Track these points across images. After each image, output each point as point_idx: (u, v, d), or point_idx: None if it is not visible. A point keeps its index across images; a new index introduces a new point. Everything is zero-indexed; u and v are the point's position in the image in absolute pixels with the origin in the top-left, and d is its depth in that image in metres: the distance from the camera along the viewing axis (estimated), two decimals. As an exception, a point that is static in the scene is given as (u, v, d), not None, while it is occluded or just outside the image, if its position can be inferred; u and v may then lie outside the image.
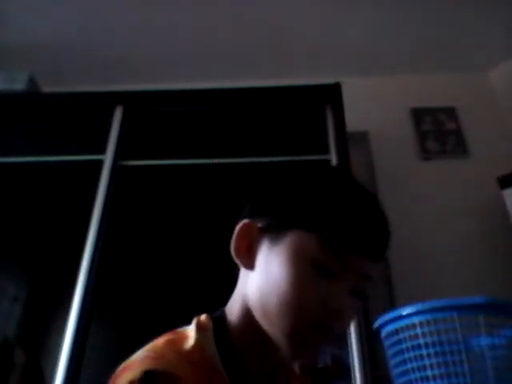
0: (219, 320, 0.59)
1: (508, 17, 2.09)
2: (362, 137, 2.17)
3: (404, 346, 1.07)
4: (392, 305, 1.68)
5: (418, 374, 1.04)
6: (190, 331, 0.55)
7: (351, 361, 1.28)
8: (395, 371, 1.12)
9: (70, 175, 1.69)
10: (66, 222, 1.59)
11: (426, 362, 1.03)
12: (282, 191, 0.59)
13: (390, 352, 1.14)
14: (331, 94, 1.74)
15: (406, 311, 1.08)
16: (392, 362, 1.13)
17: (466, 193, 2.01)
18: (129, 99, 1.81)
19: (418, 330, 1.05)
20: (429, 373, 1.02)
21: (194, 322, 0.58)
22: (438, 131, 2.22)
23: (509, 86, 2.29)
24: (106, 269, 1.48)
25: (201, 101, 1.80)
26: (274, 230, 0.56)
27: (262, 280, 0.55)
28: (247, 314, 0.57)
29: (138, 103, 1.81)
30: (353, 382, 1.25)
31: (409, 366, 1.06)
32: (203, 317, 0.59)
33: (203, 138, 1.73)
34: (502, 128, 2.20)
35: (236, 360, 0.55)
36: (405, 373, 1.07)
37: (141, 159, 1.68)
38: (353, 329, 1.31)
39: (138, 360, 0.48)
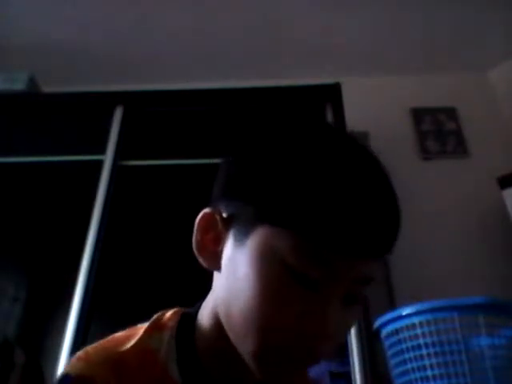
0: (188, 318, 0.50)
1: (508, 17, 2.09)
2: (362, 137, 2.17)
3: (404, 346, 1.07)
4: (392, 305, 1.68)
5: (418, 374, 1.04)
6: (140, 329, 0.48)
7: (351, 361, 1.28)
8: (395, 371, 1.12)
9: (70, 175, 1.68)
10: (66, 222, 1.59)
11: (426, 362, 1.03)
12: (246, 167, 0.44)
13: (390, 352, 1.14)
14: (331, 94, 1.74)
15: (405, 311, 1.08)
16: (392, 362, 1.14)
17: (466, 193, 2.01)
18: (129, 99, 1.81)
19: (418, 330, 1.05)
20: (429, 373, 1.02)
21: (153, 318, 0.50)
22: (438, 131, 2.21)
23: (509, 85, 2.28)
24: (105, 269, 1.48)
25: (201, 101, 1.80)
26: (240, 223, 0.43)
27: (226, 287, 0.44)
28: (217, 320, 0.46)
29: (138, 103, 1.81)
30: (353, 382, 1.25)
31: (409, 366, 1.06)
32: (170, 313, 0.51)
33: (203, 138, 1.73)
34: (502, 128, 2.20)
35: (198, 367, 0.46)
36: (405, 373, 1.07)
37: (141, 159, 1.68)
38: (353, 329, 1.31)
39: (72, 358, 0.44)
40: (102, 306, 1.43)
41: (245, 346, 0.42)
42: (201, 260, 0.47)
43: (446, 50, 2.30)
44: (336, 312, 0.40)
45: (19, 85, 1.96)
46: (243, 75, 2.27)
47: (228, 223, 0.45)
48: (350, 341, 1.30)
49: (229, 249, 0.44)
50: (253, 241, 0.41)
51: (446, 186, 2.04)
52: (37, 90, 2.04)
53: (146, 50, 2.31)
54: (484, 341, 1.00)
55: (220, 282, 0.46)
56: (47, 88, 2.05)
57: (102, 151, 1.67)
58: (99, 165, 1.64)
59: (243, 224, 0.42)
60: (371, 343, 1.27)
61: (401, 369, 1.09)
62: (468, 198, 2.00)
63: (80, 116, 1.80)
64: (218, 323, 0.46)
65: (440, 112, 2.26)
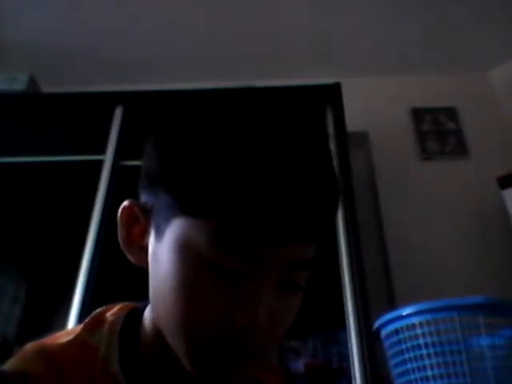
0: (136, 314, 0.48)
1: (508, 17, 2.09)
2: (362, 137, 2.17)
3: (404, 346, 1.07)
4: (392, 305, 1.68)
5: (418, 375, 1.04)
6: (80, 325, 0.47)
7: (351, 361, 1.28)
8: (395, 371, 1.12)
9: (70, 175, 1.68)
10: (66, 222, 1.59)
11: (426, 362, 1.03)
12: (160, 157, 0.42)
13: (389, 352, 1.14)
14: (331, 94, 1.74)
15: (406, 311, 1.08)
16: (392, 363, 1.13)
17: (466, 193, 2.01)
18: (129, 99, 1.81)
19: (418, 330, 1.05)
20: (429, 373, 1.02)
21: (94, 312, 0.48)
22: (437, 131, 2.21)
23: (509, 85, 2.28)
24: (105, 269, 1.48)
25: (201, 101, 1.80)
26: (158, 215, 0.41)
27: (151, 285, 0.42)
28: (155, 324, 0.44)
29: (138, 103, 1.81)
30: (353, 381, 1.25)
31: (409, 366, 1.06)
32: (115, 308, 0.49)
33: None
34: (502, 128, 2.20)
35: (140, 362, 0.44)
36: (405, 373, 1.07)
37: (141, 159, 1.68)
38: (353, 329, 1.31)
39: (15, 355, 0.43)
40: (102, 306, 1.43)
41: (176, 346, 0.40)
42: (129, 256, 0.45)
43: (446, 50, 2.30)
44: (267, 302, 0.37)
45: (19, 85, 1.95)
46: (243, 75, 2.27)
47: (148, 215, 0.42)
48: (350, 341, 1.30)
49: (151, 243, 0.42)
50: (170, 234, 0.39)
51: (446, 185, 2.04)
52: (37, 90, 2.04)
53: (146, 50, 2.31)
54: (484, 341, 1.00)
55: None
56: (47, 88, 2.05)
57: (102, 151, 1.67)
58: (99, 165, 1.64)
59: (161, 216, 0.40)
60: (371, 343, 1.27)
61: (401, 369, 1.09)
62: (468, 198, 2.00)
63: (80, 116, 1.80)
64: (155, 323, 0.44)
65: (440, 112, 2.26)
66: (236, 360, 0.39)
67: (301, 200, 0.37)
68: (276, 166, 0.37)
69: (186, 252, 0.38)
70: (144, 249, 0.44)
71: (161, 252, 0.40)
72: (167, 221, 0.39)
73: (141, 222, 0.43)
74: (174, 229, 0.39)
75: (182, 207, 0.38)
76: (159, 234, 0.40)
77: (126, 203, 0.44)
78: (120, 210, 0.45)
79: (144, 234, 0.43)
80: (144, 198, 0.44)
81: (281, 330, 0.40)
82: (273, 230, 0.36)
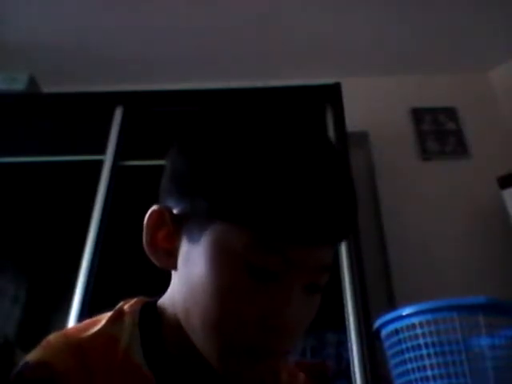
0: (150, 307, 0.49)
1: (508, 17, 2.09)
2: (362, 137, 2.17)
3: (404, 346, 1.07)
4: (392, 305, 1.68)
5: (418, 375, 1.04)
6: (104, 317, 0.47)
7: (351, 361, 1.28)
8: (395, 371, 1.12)
9: (70, 175, 1.68)
10: (66, 222, 1.59)
11: (426, 362, 1.03)
12: (195, 161, 0.42)
13: (390, 352, 1.14)
14: (331, 94, 1.74)
15: (406, 311, 1.08)
16: (392, 363, 1.13)
17: (466, 193, 2.01)
18: (129, 99, 1.81)
19: (418, 330, 1.05)
20: (429, 373, 1.02)
21: (117, 306, 0.49)
22: (437, 131, 2.21)
23: (509, 85, 2.28)
24: (105, 269, 1.48)
25: (201, 101, 1.80)
26: (192, 220, 0.42)
27: (183, 287, 0.44)
28: (176, 320, 0.45)
29: (138, 103, 1.81)
30: (353, 381, 1.25)
31: (409, 366, 1.06)
32: (133, 301, 0.49)
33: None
34: (502, 128, 2.20)
35: (163, 351, 0.45)
36: (405, 373, 1.07)
37: (141, 159, 1.68)
38: (353, 329, 1.31)
39: (37, 346, 0.43)
40: (102, 306, 1.43)
41: (206, 347, 0.41)
42: (154, 260, 0.45)
43: (446, 50, 2.30)
44: (297, 303, 0.39)
45: (19, 85, 1.96)
46: (243, 75, 2.27)
47: (179, 220, 0.43)
48: (350, 341, 1.30)
49: (183, 247, 0.43)
50: (207, 239, 0.40)
51: (446, 186, 2.04)
52: (37, 90, 2.04)
53: (146, 50, 2.31)
54: (484, 341, 1.00)
55: (177, 282, 0.45)
56: (47, 88, 2.05)
57: (102, 151, 1.67)
58: (99, 165, 1.64)
59: (196, 221, 0.41)
60: (371, 343, 1.27)
61: (401, 369, 1.09)
62: (468, 198, 2.00)
63: (80, 116, 1.80)
64: (176, 320, 0.45)
65: (440, 112, 2.26)
66: (263, 358, 0.40)
67: (335, 204, 0.39)
68: (313, 170, 0.39)
69: (224, 255, 0.39)
70: (169, 252, 0.44)
71: (196, 255, 0.41)
72: (203, 226, 0.40)
73: (167, 227, 0.44)
74: (212, 233, 0.40)
75: (220, 213, 0.39)
76: (193, 239, 0.42)
77: (155, 208, 0.45)
78: (148, 214, 0.45)
79: (170, 238, 0.44)
80: (172, 203, 0.44)
81: (301, 331, 0.42)
82: (310, 232, 0.38)
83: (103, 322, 0.46)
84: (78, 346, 0.42)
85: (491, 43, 2.25)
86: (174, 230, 0.44)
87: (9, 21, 2.15)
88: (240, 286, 0.39)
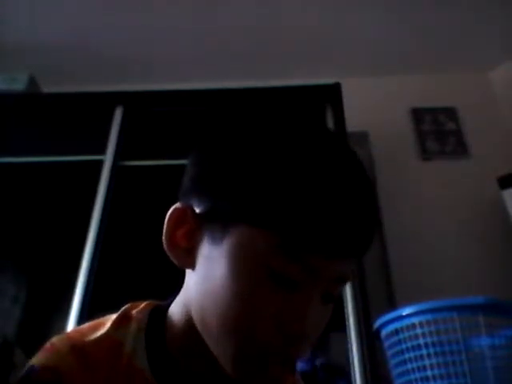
0: (160, 312, 0.48)
1: (508, 17, 2.09)
2: (362, 137, 2.17)
3: (404, 346, 1.07)
4: (392, 305, 1.68)
5: (418, 375, 1.04)
6: (108, 320, 0.47)
7: (351, 361, 1.28)
8: (395, 371, 1.12)
9: (70, 175, 1.68)
10: (66, 222, 1.59)
11: (426, 362, 1.03)
12: (222, 161, 0.42)
13: (390, 352, 1.14)
14: (331, 94, 1.74)
15: (406, 311, 1.08)
16: (392, 363, 1.14)
17: (466, 193, 2.01)
18: (129, 99, 1.81)
19: (418, 331, 1.05)
20: (429, 373, 1.02)
21: (121, 310, 0.49)
22: (437, 131, 2.21)
23: (509, 85, 2.28)
24: (105, 269, 1.48)
25: (201, 101, 1.80)
26: (215, 221, 0.41)
27: (201, 287, 0.43)
28: (189, 318, 0.45)
29: (138, 103, 1.81)
30: (353, 382, 1.25)
31: (409, 366, 1.06)
32: (140, 306, 0.49)
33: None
34: (502, 128, 2.20)
35: (168, 359, 0.45)
36: (405, 373, 1.08)
37: (141, 159, 1.68)
38: (353, 328, 1.31)
39: (41, 349, 0.44)
40: (102, 306, 1.43)
41: (222, 349, 0.41)
42: (172, 257, 0.45)
43: (445, 50, 2.30)
44: (315, 312, 0.39)
45: (19, 85, 1.96)
46: (243, 75, 2.27)
47: (201, 220, 0.43)
48: (350, 341, 1.30)
49: (204, 247, 0.43)
50: (230, 241, 0.40)
51: (446, 185, 2.04)
52: (37, 90, 2.04)
53: (145, 50, 2.31)
54: (484, 341, 1.00)
55: (194, 281, 0.45)
56: (47, 88, 2.05)
57: (102, 151, 1.67)
58: (99, 165, 1.64)
59: (219, 222, 0.41)
60: (371, 343, 1.27)
61: (401, 369, 1.09)
62: (468, 198, 2.00)
63: (80, 116, 1.79)
64: (189, 322, 0.45)
65: (440, 112, 2.26)
66: (277, 364, 0.40)
67: (356, 223, 0.39)
68: (340, 179, 0.39)
69: (247, 259, 0.39)
70: (188, 250, 0.44)
71: (217, 256, 0.41)
72: (226, 227, 0.40)
73: (188, 225, 0.43)
74: (235, 235, 0.39)
75: (243, 216, 0.39)
76: (215, 239, 0.41)
77: (178, 205, 0.45)
78: (171, 211, 0.44)
79: (191, 236, 0.44)
80: (194, 202, 0.44)
81: (315, 338, 0.42)
82: (334, 244, 0.38)
83: (108, 325, 0.46)
84: (82, 349, 0.42)
85: (491, 43, 2.25)
86: (195, 228, 0.43)
87: (9, 21, 2.15)
88: (260, 290, 0.38)
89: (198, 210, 0.43)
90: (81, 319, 1.37)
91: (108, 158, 1.65)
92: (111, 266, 1.49)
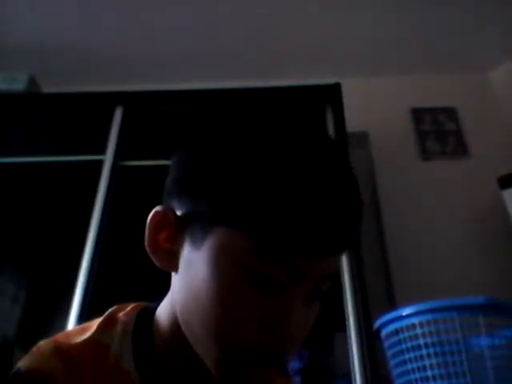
0: (147, 314, 0.48)
1: (508, 17, 2.09)
2: (362, 137, 2.17)
3: (404, 346, 1.07)
4: (392, 305, 1.68)
5: (418, 375, 1.04)
6: (95, 323, 0.47)
7: (351, 361, 1.28)
8: (395, 371, 1.12)
9: (70, 175, 1.68)
10: (66, 222, 1.59)
11: (426, 362, 1.03)
12: (201, 164, 0.42)
13: (390, 352, 1.14)
14: (331, 94, 1.74)
15: (406, 311, 1.08)
16: (392, 363, 1.14)
17: (466, 193, 2.01)
18: (129, 99, 1.81)
19: (418, 331, 1.05)
20: (429, 373, 1.02)
21: (107, 312, 0.49)
22: (438, 131, 2.21)
23: (509, 86, 2.28)
24: (105, 269, 1.48)
25: (201, 101, 1.80)
26: (196, 223, 0.41)
27: (184, 290, 0.43)
28: (175, 321, 0.45)
29: (138, 103, 1.81)
30: (353, 382, 1.25)
31: (409, 366, 1.06)
32: (128, 308, 0.49)
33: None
34: (502, 128, 2.20)
35: (155, 361, 0.45)
36: (405, 373, 1.07)
37: (141, 159, 1.68)
38: (353, 329, 1.31)
39: (28, 353, 0.43)
40: (102, 306, 1.43)
41: (206, 353, 0.41)
42: (155, 261, 0.44)
43: (446, 50, 2.30)
44: (299, 312, 0.39)
45: (19, 85, 1.96)
46: (243, 75, 2.27)
47: (182, 222, 0.42)
48: (350, 341, 1.30)
49: (186, 250, 0.42)
50: (210, 243, 0.39)
51: (446, 185, 2.04)
52: (37, 90, 2.04)
53: (146, 50, 2.31)
54: (484, 341, 1.00)
55: (177, 284, 0.45)
56: (47, 88, 2.05)
57: (102, 151, 1.67)
58: (99, 165, 1.64)
59: (199, 224, 0.40)
60: (371, 343, 1.27)
61: (401, 369, 1.09)
62: (468, 198, 2.00)
63: (80, 116, 1.80)
64: (176, 324, 0.44)
65: (440, 112, 2.26)
66: (262, 366, 0.40)
67: (342, 215, 0.38)
68: (319, 180, 0.38)
69: (226, 261, 0.38)
70: (171, 253, 0.44)
71: (198, 259, 0.40)
72: (206, 230, 0.40)
73: (170, 228, 0.43)
74: (215, 238, 0.39)
75: (224, 218, 0.38)
76: (196, 242, 0.41)
77: (158, 208, 0.44)
78: (152, 214, 0.44)
79: (173, 239, 0.43)
80: (176, 204, 0.44)
81: (302, 338, 0.41)
82: (313, 245, 0.37)
83: (93, 328, 0.46)
84: (66, 352, 0.42)
85: (491, 43, 2.25)
86: (176, 231, 0.43)
87: (9, 21, 2.15)
88: (241, 293, 0.38)
89: (179, 213, 0.43)
90: (81, 319, 1.37)
91: (108, 158, 1.65)
92: (111, 266, 1.49)
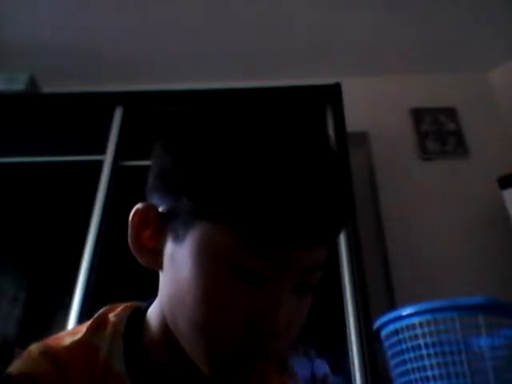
0: (138, 314, 0.48)
1: (508, 17, 2.09)
2: (362, 137, 2.17)
3: (404, 346, 1.07)
4: (392, 305, 1.68)
5: (418, 375, 1.04)
6: (85, 325, 0.46)
7: (351, 361, 1.28)
8: (395, 371, 1.12)
9: (70, 175, 1.68)
10: (66, 222, 1.59)
11: (426, 362, 1.03)
12: (181, 159, 0.41)
13: (390, 352, 1.14)
14: (331, 94, 1.74)
15: (405, 311, 1.08)
16: (392, 363, 1.14)
17: (466, 193, 2.01)
18: (129, 99, 1.81)
19: (418, 331, 1.05)
20: (429, 373, 1.02)
21: (97, 313, 0.48)
22: (437, 131, 2.21)
23: (509, 85, 2.28)
24: (106, 269, 1.48)
25: (201, 101, 1.80)
26: (177, 219, 0.40)
27: (169, 289, 0.42)
28: (164, 320, 0.44)
29: (138, 103, 1.81)
30: (353, 382, 1.25)
31: (409, 366, 1.06)
32: (118, 308, 0.49)
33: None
34: (502, 128, 2.20)
35: (145, 362, 0.44)
36: (405, 373, 1.08)
37: (141, 159, 1.68)
38: (353, 329, 1.31)
39: (19, 357, 0.43)
40: (102, 305, 1.43)
41: (195, 351, 0.40)
42: (139, 259, 0.44)
43: (446, 50, 2.30)
44: (287, 306, 0.38)
45: (19, 85, 1.96)
46: (243, 75, 2.27)
47: (164, 218, 0.42)
48: (350, 341, 1.30)
49: (169, 247, 0.42)
50: (192, 238, 0.39)
51: (446, 185, 2.04)
52: (37, 90, 2.04)
53: (145, 50, 2.31)
54: (484, 341, 1.00)
55: (163, 282, 0.44)
56: (47, 88, 2.05)
57: (102, 151, 1.67)
58: (99, 165, 1.64)
59: (181, 220, 0.40)
60: (371, 343, 1.27)
61: (401, 369, 1.09)
62: (468, 198, 2.00)
63: (80, 116, 1.80)
64: (165, 324, 0.44)
65: (440, 112, 2.26)
66: (253, 362, 0.39)
67: (324, 204, 0.37)
68: (299, 170, 0.37)
69: (209, 256, 0.38)
70: (155, 251, 0.43)
71: (181, 255, 0.40)
72: (188, 225, 0.39)
73: (153, 225, 0.43)
74: (197, 233, 0.38)
75: (204, 212, 0.38)
76: (178, 238, 0.40)
77: (139, 206, 0.44)
78: (133, 213, 0.44)
79: (156, 236, 0.43)
80: (157, 200, 0.43)
81: (295, 331, 0.40)
82: (297, 234, 0.36)
83: (83, 330, 0.46)
84: (56, 355, 0.42)
85: (491, 43, 2.25)
86: (159, 228, 0.42)
87: (9, 21, 2.15)
88: (225, 287, 0.37)
89: (160, 209, 0.42)
90: (81, 319, 1.37)
91: (108, 158, 1.65)
92: (111, 265, 1.49)
